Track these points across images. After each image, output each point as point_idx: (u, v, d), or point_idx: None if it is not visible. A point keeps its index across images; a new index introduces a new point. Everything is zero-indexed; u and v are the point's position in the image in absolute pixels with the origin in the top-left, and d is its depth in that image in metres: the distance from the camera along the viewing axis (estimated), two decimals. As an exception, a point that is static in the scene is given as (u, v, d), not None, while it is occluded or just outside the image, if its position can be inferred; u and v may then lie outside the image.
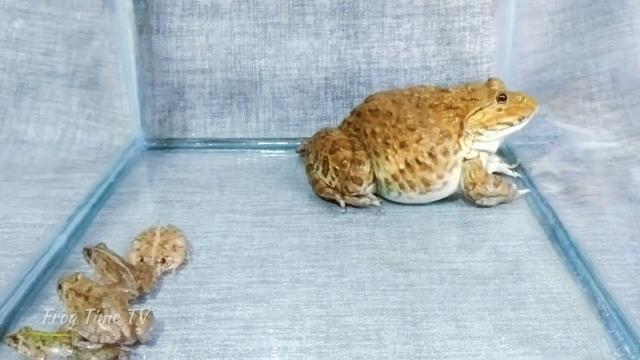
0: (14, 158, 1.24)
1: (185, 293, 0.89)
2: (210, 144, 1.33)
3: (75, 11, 1.26)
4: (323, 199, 1.10)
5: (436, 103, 1.05)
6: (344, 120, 1.16)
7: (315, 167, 1.11)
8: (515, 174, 1.16)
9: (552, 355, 0.77)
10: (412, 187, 1.05)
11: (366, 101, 1.12)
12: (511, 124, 1.04)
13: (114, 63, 1.28)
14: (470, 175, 1.04)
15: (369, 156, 1.07)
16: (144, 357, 0.78)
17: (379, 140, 1.06)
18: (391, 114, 1.06)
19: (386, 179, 1.06)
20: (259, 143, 1.33)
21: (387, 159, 1.05)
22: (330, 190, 1.09)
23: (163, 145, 1.33)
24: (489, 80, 1.07)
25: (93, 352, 0.76)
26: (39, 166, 1.22)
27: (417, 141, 1.03)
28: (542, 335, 0.80)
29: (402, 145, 1.04)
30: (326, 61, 1.31)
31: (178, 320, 0.82)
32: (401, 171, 1.04)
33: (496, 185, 1.05)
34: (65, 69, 1.27)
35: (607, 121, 1.25)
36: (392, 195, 1.08)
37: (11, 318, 0.83)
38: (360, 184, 1.06)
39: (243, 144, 1.33)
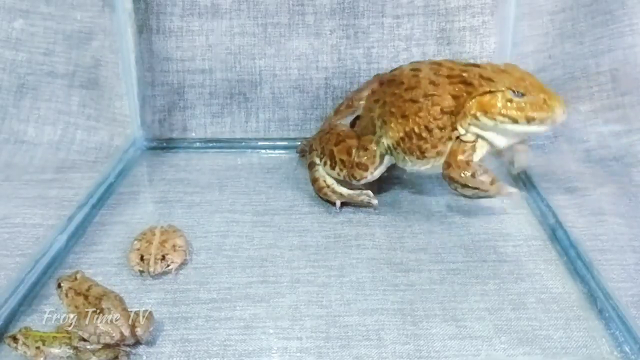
0: (14, 158, 1.24)
1: (185, 293, 0.89)
2: (210, 144, 1.33)
3: (75, 11, 1.26)
4: (322, 198, 1.10)
5: (454, 74, 1.00)
6: (371, 89, 1.14)
7: (323, 162, 1.11)
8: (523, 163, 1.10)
9: (552, 355, 0.77)
10: (411, 152, 1.03)
11: (391, 70, 1.12)
12: (515, 121, 0.94)
13: (114, 63, 1.28)
14: (450, 154, 1.00)
15: (371, 141, 1.06)
16: (144, 357, 0.78)
17: (386, 108, 1.04)
18: (403, 83, 1.04)
19: (392, 146, 1.05)
20: (259, 143, 1.33)
21: (391, 127, 1.03)
22: (328, 191, 1.09)
23: (163, 145, 1.33)
24: (525, 72, 0.98)
25: (93, 352, 0.76)
26: (39, 166, 1.22)
27: (416, 114, 1.00)
28: (542, 335, 0.80)
29: (403, 116, 1.02)
30: (326, 61, 1.31)
31: (178, 320, 0.83)
32: (402, 139, 1.02)
33: (474, 175, 0.97)
34: (65, 69, 1.27)
35: (607, 121, 1.25)
36: (401, 162, 1.06)
37: (11, 318, 0.83)
38: (366, 169, 1.05)
39: (243, 144, 1.33)
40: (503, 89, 0.94)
